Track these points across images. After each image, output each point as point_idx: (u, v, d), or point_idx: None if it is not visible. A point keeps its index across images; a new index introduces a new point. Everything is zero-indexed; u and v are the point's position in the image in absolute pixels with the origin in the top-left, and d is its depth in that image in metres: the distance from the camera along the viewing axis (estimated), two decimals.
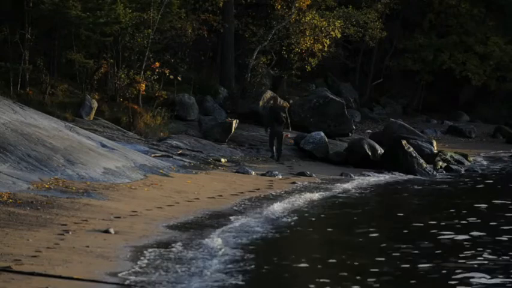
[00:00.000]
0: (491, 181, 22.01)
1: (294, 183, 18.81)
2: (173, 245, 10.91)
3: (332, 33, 31.54)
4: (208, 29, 29.97)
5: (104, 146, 18.39)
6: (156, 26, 25.08)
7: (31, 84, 23.35)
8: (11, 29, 22.91)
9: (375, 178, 21.15)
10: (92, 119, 23.17)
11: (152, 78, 25.09)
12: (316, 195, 17.08)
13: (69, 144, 16.94)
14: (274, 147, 22.96)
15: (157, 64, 25.16)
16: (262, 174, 19.76)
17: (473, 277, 9.70)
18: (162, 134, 23.90)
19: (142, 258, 9.99)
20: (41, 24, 23.84)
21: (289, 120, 23.33)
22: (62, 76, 25.18)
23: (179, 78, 27.19)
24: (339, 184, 19.41)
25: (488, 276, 9.74)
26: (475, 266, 10.37)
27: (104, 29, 24.09)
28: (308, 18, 31.32)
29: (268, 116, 23.41)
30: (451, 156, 24.78)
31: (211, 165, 20.36)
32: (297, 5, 31.34)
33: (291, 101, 30.23)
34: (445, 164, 24.15)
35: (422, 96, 41.82)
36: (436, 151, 24.63)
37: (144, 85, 24.81)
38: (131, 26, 24.79)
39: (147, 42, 24.95)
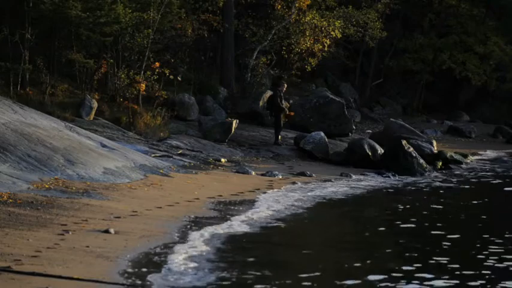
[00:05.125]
0: (491, 181, 22.01)
1: (294, 183, 18.81)
2: (173, 244, 10.92)
3: (332, 33, 31.52)
4: (208, 29, 29.98)
5: (104, 146, 18.38)
6: (156, 26, 25.07)
7: (31, 84, 23.34)
8: (11, 29, 22.90)
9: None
10: (92, 119, 23.16)
11: (152, 78, 25.07)
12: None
13: (69, 144, 16.94)
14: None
15: (157, 64, 25.14)
16: (262, 174, 19.76)
17: None
18: (162, 134, 23.89)
19: (142, 258, 9.99)
20: (41, 24, 23.83)
21: (282, 105, 25.04)
22: (62, 76, 25.17)
23: (179, 78, 27.16)
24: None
25: None
26: None
27: (104, 29, 24.07)
28: (308, 18, 31.32)
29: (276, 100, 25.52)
30: (451, 156, 24.76)
31: (211, 165, 20.36)
32: (297, 5, 31.34)
33: (291, 101, 30.22)
34: (445, 164, 24.13)
35: (422, 96, 41.80)
36: (436, 151, 24.60)
37: (144, 85, 24.80)
38: (131, 26, 24.76)
39: (147, 42, 24.94)
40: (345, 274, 9.84)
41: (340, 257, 11.11)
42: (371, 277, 9.65)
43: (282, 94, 25.30)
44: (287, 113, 25.80)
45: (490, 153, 30.39)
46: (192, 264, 9.85)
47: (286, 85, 26.32)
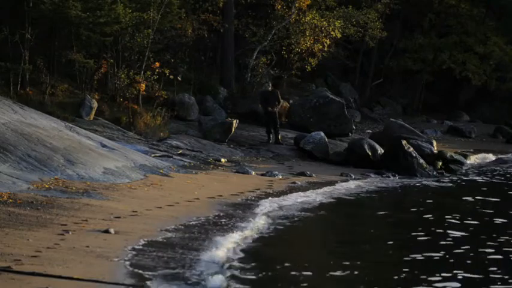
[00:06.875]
0: (491, 181, 22.01)
1: (294, 183, 18.81)
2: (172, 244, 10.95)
3: (332, 33, 31.52)
4: (208, 29, 29.98)
5: (104, 146, 18.39)
6: (156, 26, 25.07)
7: (31, 84, 23.34)
8: (11, 29, 22.90)
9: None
10: (92, 119, 23.17)
11: (152, 78, 25.08)
12: None
13: (69, 144, 16.94)
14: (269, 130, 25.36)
15: (157, 64, 25.15)
16: (262, 174, 19.76)
17: None
18: (162, 134, 23.89)
19: (142, 258, 9.99)
20: (41, 24, 23.83)
21: (279, 104, 25.56)
22: (62, 76, 25.17)
23: (179, 78, 27.15)
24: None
25: None
26: None
27: (104, 29, 24.07)
28: (308, 18, 31.32)
29: (259, 99, 26.31)
30: (451, 156, 24.75)
31: (211, 165, 20.36)
32: (297, 5, 31.34)
33: (291, 101, 30.24)
34: (445, 165, 24.12)
35: (422, 96, 41.79)
36: (436, 151, 24.59)
37: (144, 85, 24.80)
38: (131, 26, 24.77)
39: (147, 42, 24.94)
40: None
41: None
42: None
43: (268, 96, 25.52)
44: (272, 110, 25.41)
45: (490, 153, 30.19)
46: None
47: (271, 86, 26.87)
